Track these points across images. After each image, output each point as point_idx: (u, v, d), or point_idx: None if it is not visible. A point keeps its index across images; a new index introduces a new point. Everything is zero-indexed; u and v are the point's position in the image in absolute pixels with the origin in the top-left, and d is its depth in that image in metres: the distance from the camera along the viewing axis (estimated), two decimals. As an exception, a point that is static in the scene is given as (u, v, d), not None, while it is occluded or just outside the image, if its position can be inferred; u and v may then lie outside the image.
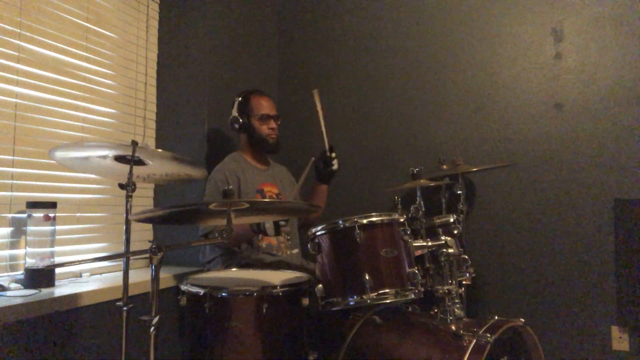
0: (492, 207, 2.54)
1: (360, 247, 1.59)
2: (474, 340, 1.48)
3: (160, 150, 1.49)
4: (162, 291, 2.02)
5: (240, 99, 2.28)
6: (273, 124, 2.27)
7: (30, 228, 1.67)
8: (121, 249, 2.14)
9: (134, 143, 1.35)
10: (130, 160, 1.42)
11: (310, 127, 2.98)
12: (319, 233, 1.67)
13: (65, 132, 1.93)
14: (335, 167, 2.27)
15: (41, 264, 1.66)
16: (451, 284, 1.67)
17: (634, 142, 2.30)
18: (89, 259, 1.33)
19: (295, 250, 2.28)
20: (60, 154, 1.44)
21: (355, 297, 1.57)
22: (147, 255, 1.23)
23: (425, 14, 2.75)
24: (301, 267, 2.18)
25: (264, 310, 1.52)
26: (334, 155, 2.25)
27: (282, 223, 1.91)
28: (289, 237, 2.27)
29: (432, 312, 1.76)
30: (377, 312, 1.82)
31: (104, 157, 1.44)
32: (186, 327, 1.69)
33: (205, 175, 1.69)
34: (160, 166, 1.56)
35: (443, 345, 1.56)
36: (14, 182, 1.73)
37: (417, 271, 1.60)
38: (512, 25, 2.56)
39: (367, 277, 1.55)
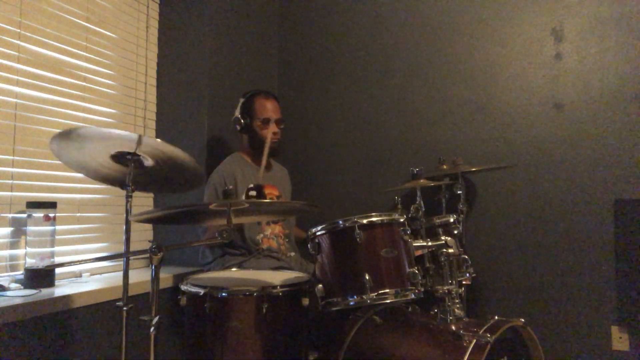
0: (492, 207, 2.54)
1: (360, 247, 1.59)
2: (474, 340, 1.48)
3: (159, 140, 1.46)
4: (162, 291, 2.02)
5: (244, 100, 2.27)
6: (275, 128, 2.24)
7: (30, 228, 1.67)
8: (121, 249, 2.14)
9: (139, 137, 1.33)
10: (129, 160, 1.42)
11: (310, 127, 2.99)
12: (319, 233, 1.67)
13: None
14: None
15: (41, 264, 1.66)
16: (451, 284, 1.67)
17: (634, 142, 2.30)
18: (89, 259, 1.33)
19: (294, 253, 2.28)
20: (57, 145, 1.40)
21: (355, 297, 1.57)
22: (147, 255, 1.24)
23: (426, 15, 2.75)
24: (301, 269, 2.18)
25: (264, 310, 1.52)
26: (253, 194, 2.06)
27: (249, 186, 1.96)
28: (287, 240, 2.27)
29: (432, 312, 1.76)
30: (377, 312, 1.82)
31: (103, 148, 1.40)
32: (186, 327, 1.69)
33: (201, 169, 1.68)
34: (156, 156, 1.52)
35: (443, 345, 1.56)
36: (14, 182, 1.73)
37: (417, 271, 1.60)
38: (512, 25, 2.56)
39: (367, 277, 1.55)
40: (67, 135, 1.32)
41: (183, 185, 1.61)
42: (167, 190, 1.94)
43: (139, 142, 1.33)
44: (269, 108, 2.24)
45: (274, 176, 2.37)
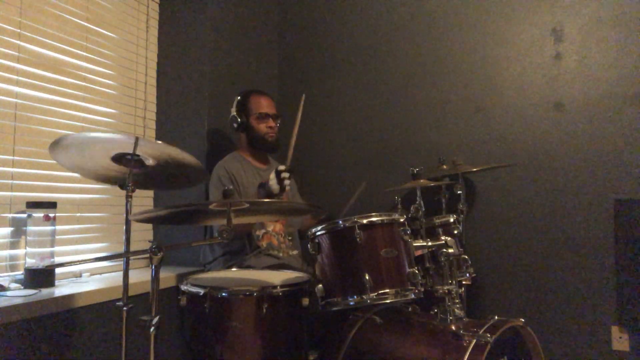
0: (492, 207, 2.54)
1: (360, 247, 1.59)
2: (474, 340, 1.48)
3: (160, 142, 1.47)
4: (162, 291, 2.02)
5: (239, 98, 2.29)
6: (272, 123, 2.27)
7: (30, 228, 1.67)
8: (121, 249, 2.14)
9: (136, 139, 1.34)
10: (130, 160, 1.42)
11: (310, 127, 2.98)
12: (319, 233, 1.67)
13: (65, 132, 1.93)
14: (285, 189, 1.97)
15: (41, 264, 1.66)
16: (451, 284, 1.67)
17: (634, 142, 2.30)
18: (89, 259, 1.33)
19: (296, 252, 2.28)
20: (57, 151, 1.42)
21: (355, 297, 1.57)
22: (147, 255, 1.23)
23: (426, 15, 2.75)
24: (302, 267, 2.18)
25: (264, 310, 1.52)
26: (286, 175, 1.97)
27: (281, 168, 1.94)
28: (290, 238, 2.27)
29: (432, 312, 1.76)
30: (377, 312, 1.82)
31: (106, 144, 1.41)
32: (186, 327, 1.69)
33: (201, 166, 1.68)
34: (157, 156, 1.53)
35: (443, 345, 1.56)
36: (14, 182, 1.73)
37: (417, 271, 1.59)
38: (512, 25, 2.56)
39: (367, 277, 1.55)
40: (65, 141, 1.34)
41: (185, 182, 1.62)
42: (169, 187, 1.93)
43: (137, 144, 1.33)
44: (264, 104, 2.27)
45: (272, 173, 2.37)
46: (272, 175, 1.98)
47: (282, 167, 1.97)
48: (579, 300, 2.34)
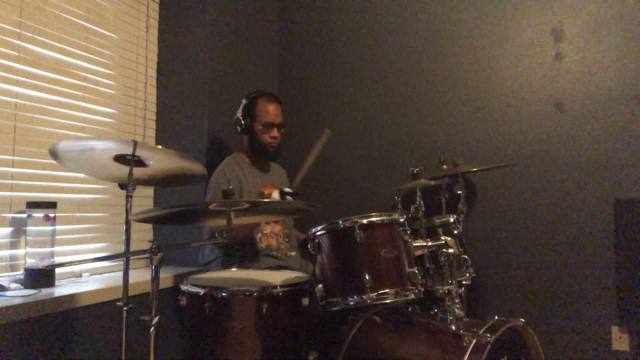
0: (492, 207, 2.54)
1: (360, 247, 1.59)
2: (474, 340, 1.48)
3: (160, 146, 1.49)
4: (162, 291, 2.02)
5: (246, 101, 2.26)
6: (275, 133, 2.24)
7: (30, 228, 1.66)
8: (121, 249, 2.14)
9: (135, 142, 1.34)
10: (130, 160, 1.42)
11: (310, 127, 2.98)
12: (318, 233, 1.67)
13: (65, 132, 1.93)
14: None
15: (41, 264, 1.66)
16: (451, 284, 1.67)
17: (634, 142, 2.30)
18: (89, 259, 1.33)
19: (294, 252, 2.28)
20: (61, 147, 1.43)
21: (355, 297, 1.56)
22: (147, 255, 1.23)
23: (426, 15, 2.75)
24: (300, 268, 2.18)
25: (264, 310, 1.52)
26: (289, 199, 2.03)
27: (286, 190, 2.01)
28: (287, 239, 2.27)
29: (432, 312, 1.76)
30: (377, 312, 1.82)
31: (105, 150, 1.43)
32: (186, 327, 1.69)
33: (205, 172, 1.69)
34: (160, 165, 1.56)
35: (443, 345, 1.56)
36: (14, 182, 1.72)
37: (417, 271, 1.59)
38: (512, 25, 2.56)
39: (367, 277, 1.55)
40: (63, 147, 1.35)
41: (185, 180, 1.63)
42: (170, 184, 1.95)
43: (136, 148, 1.34)
44: (271, 112, 2.23)
45: (272, 177, 2.37)
46: (276, 194, 2.01)
47: (288, 189, 2.02)
48: (579, 300, 2.34)
